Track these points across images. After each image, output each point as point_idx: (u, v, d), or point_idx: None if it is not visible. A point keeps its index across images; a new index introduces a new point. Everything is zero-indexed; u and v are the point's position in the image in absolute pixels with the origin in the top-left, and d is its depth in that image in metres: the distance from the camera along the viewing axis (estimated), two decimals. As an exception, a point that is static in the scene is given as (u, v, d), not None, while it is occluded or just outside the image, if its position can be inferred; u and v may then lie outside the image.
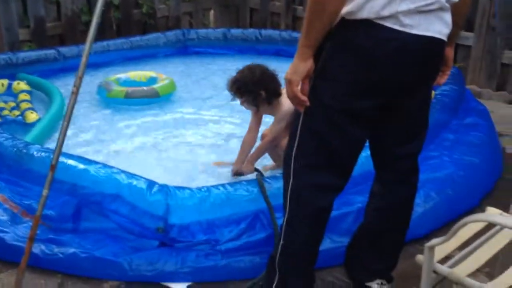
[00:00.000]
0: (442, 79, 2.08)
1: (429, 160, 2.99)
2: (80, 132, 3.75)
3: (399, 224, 2.18)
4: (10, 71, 4.42)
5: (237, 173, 3.07)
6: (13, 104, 3.96)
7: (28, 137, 3.27)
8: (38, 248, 2.44)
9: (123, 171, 2.59)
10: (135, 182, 2.51)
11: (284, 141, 2.91)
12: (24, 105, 3.87)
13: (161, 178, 2.67)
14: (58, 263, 2.45)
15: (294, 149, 1.95)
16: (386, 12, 1.70)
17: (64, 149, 2.70)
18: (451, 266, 1.84)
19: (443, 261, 1.87)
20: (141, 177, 2.57)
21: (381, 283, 2.20)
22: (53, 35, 5.28)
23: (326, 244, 2.38)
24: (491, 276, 2.17)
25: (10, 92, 4.12)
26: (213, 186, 2.58)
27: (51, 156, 2.68)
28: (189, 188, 2.54)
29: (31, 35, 5.11)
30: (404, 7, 1.70)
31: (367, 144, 2.05)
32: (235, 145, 3.61)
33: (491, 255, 1.91)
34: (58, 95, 4.05)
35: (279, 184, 2.59)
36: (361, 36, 1.74)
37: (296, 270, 2.10)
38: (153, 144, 3.67)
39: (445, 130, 3.39)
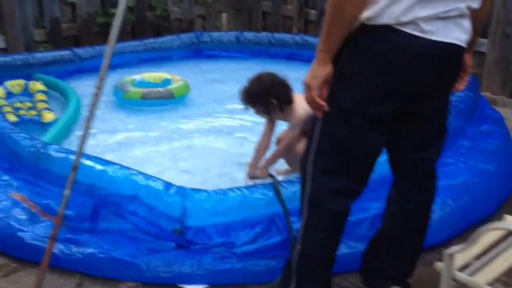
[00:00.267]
0: (461, 85, 2.09)
1: (444, 167, 2.98)
2: (96, 132, 3.78)
3: (416, 230, 2.18)
4: (27, 72, 4.47)
5: (251, 177, 3.08)
6: (29, 104, 4.00)
7: (45, 137, 3.30)
8: (57, 248, 2.46)
9: (141, 173, 2.61)
10: (152, 184, 2.53)
11: (299, 145, 2.93)
12: (40, 105, 3.91)
13: (175, 179, 2.69)
14: (77, 263, 2.47)
15: (312, 153, 1.96)
16: (406, 18, 1.71)
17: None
18: (470, 274, 1.84)
19: (461, 269, 1.87)
20: (159, 178, 2.58)
21: (398, 290, 2.20)
22: (68, 36, 5.32)
23: (342, 249, 2.37)
24: (507, 285, 2.17)
25: (26, 92, 4.17)
26: (229, 189, 2.59)
27: (69, 156, 2.75)
28: (206, 191, 2.55)
29: (47, 36, 5.16)
30: (424, 13, 1.71)
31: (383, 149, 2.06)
32: (248, 147, 3.63)
33: (510, 264, 1.91)
34: (74, 96, 4.08)
35: (294, 188, 2.62)
36: (380, 41, 1.75)
37: (312, 275, 2.11)
38: (168, 146, 3.69)
39: (461, 137, 3.38)
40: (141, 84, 4.40)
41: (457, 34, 1.78)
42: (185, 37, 5.59)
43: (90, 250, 2.48)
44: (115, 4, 5.49)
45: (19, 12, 4.87)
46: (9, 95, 4.08)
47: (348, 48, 1.79)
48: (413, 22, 1.70)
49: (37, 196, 2.75)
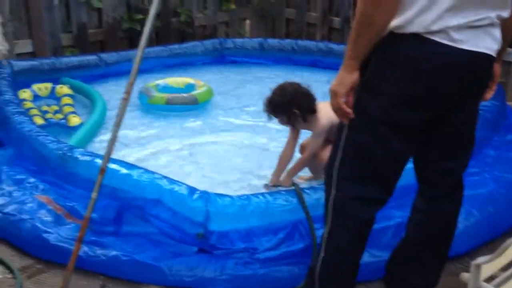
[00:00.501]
0: (488, 94, 2.07)
1: (470, 177, 2.94)
2: (121, 137, 3.82)
3: (441, 239, 2.16)
4: (53, 76, 4.54)
5: (274, 187, 3.08)
6: (56, 108, 4.06)
7: (71, 141, 3.34)
8: (81, 250, 2.47)
9: (165, 177, 2.63)
10: (176, 188, 2.55)
11: (323, 153, 2.92)
12: (67, 109, 3.97)
13: (196, 184, 2.70)
14: (100, 265, 2.50)
15: (337, 160, 1.96)
16: (436, 27, 1.70)
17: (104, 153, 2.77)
18: (497, 286, 1.81)
19: (487, 280, 1.84)
20: (183, 183, 2.60)
21: (422, 299, 2.18)
22: (94, 42, 5.40)
23: (365, 258, 2.35)
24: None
25: (53, 95, 4.23)
26: (252, 195, 2.60)
27: (95, 160, 2.79)
28: (230, 196, 2.56)
29: (74, 40, 5.24)
30: (454, 22, 1.70)
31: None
32: (271, 154, 3.63)
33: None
34: (100, 100, 4.14)
35: (318, 195, 2.62)
36: (410, 49, 1.74)
37: (336, 283, 2.10)
38: (190, 151, 3.71)
39: (487, 146, 3.34)
40: (165, 89, 4.44)
41: (487, 43, 1.77)
42: (209, 43, 5.64)
43: (114, 253, 2.50)
44: (140, 10, 5.57)
45: (47, 17, 4.95)
46: (36, 98, 4.15)
47: (376, 55, 1.79)
48: (443, 31, 1.69)
49: (62, 199, 2.80)
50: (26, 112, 3.63)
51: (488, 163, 3.20)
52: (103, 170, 1.99)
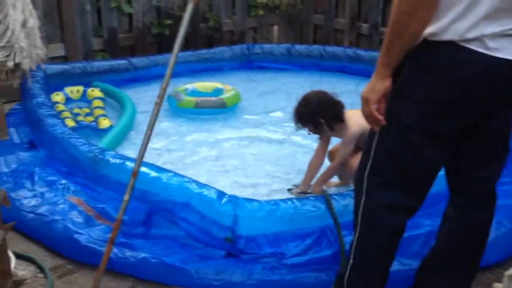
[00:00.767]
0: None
1: (501, 186, 2.88)
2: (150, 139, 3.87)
3: (473, 249, 2.13)
4: (84, 79, 4.63)
5: (303, 194, 3.08)
6: (87, 110, 4.13)
7: (102, 143, 3.40)
8: (111, 251, 2.52)
9: (194, 181, 2.65)
10: (205, 192, 2.57)
11: (352, 160, 2.91)
12: (97, 112, 4.04)
13: (224, 188, 2.72)
14: (130, 266, 2.53)
15: (368, 167, 1.95)
16: (471, 35, 1.68)
17: (134, 156, 2.80)
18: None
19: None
20: (211, 187, 2.62)
21: (451, 309, 2.15)
22: (124, 46, 5.48)
23: (394, 266, 2.33)
24: None
25: (84, 98, 4.32)
26: (281, 200, 2.61)
27: (125, 163, 2.83)
28: (258, 201, 2.57)
29: (104, 45, 5.32)
30: (489, 30, 1.68)
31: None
32: (298, 159, 3.64)
33: None
34: (130, 104, 4.20)
35: (346, 201, 2.61)
36: (444, 57, 1.73)
37: (364, 290, 2.09)
38: (218, 155, 3.74)
39: (519, 155, 3.28)
40: (193, 93, 4.49)
41: None
42: (237, 48, 5.67)
43: (143, 255, 2.53)
44: (170, 16, 5.63)
45: (79, 21, 5.05)
46: (68, 101, 4.24)
47: (409, 62, 1.78)
48: (478, 39, 1.68)
49: (93, 200, 2.84)
50: (58, 115, 3.71)
51: (520, 172, 3.14)
52: (135, 172, 2.02)
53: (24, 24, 1.54)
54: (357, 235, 2.04)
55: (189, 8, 1.95)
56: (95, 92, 4.34)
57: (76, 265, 2.62)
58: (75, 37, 5.02)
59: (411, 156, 1.86)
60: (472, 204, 2.04)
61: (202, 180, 2.75)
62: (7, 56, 1.55)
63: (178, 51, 1.99)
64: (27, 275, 2.53)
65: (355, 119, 2.84)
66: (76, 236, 2.64)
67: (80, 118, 3.97)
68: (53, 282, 2.49)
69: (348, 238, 2.35)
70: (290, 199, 2.62)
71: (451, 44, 1.71)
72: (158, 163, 3.02)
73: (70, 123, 3.75)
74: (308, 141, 3.76)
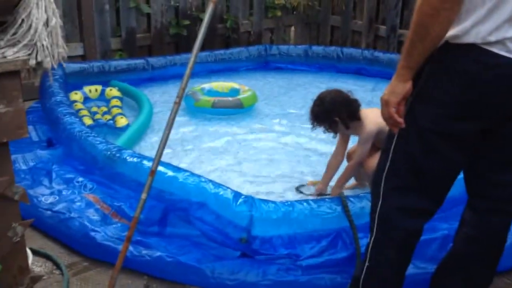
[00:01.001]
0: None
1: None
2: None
3: (491, 254, 2.10)
4: (102, 78, 4.67)
5: (321, 195, 3.08)
6: (105, 109, 4.17)
7: (119, 142, 3.42)
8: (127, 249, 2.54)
9: (210, 181, 2.65)
10: (221, 192, 2.57)
11: (370, 160, 2.89)
12: (115, 110, 4.07)
13: (240, 188, 2.73)
14: (145, 264, 2.54)
15: (385, 169, 1.94)
16: (493, 38, 1.67)
17: (150, 155, 2.82)
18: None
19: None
20: (227, 187, 2.62)
21: (467, 314, 2.13)
22: (142, 46, 5.52)
23: (409, 269, 2.32)
24: None
25: (103, 97, 4.36)
26: (297, 201, 2.60)
27: (142, 162, 2.84)
28: (274, 202, 2.57)
29: (122, 44, 5.37)
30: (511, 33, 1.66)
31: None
32: (314, 160, 3.64)
33: None
34: (147, 103, 4.22)
35: (362, 203, 2.60)
36: (465, 60, 1.71)
37: (380, 293, 2.08)
38: (235, 155, 3.75)
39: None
40: (210, 93, 4.51)
41: None
42: (254, 49, 5.69)
43: (158, 253, 2.54)
44: (188, 16, 5.66)
45: (98, 22, 5.10)
46: (87, 99, 4.28)
47: (430, 65, 1.76)
48: (500, 42, 1.66)
49: (109, 198, 2.85)
50: (76, 113, 3.74)
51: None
52: (153, 171, 2.03)
53: (47, 23, 1.55)
54: (373, 237, 2.03)
55: (210, 8, 1.96)
56: (113, 91, 4.38)
57: (91, 262, 2.64)
58: (93, 36, 5.07)
59: (430, 159, 1.84)
60: (490, 208, 2.01)
61: (218, 179, 2.75)
62: (29, 54, 1.57)
63: (198, 51, 1.99)
64: (44, 271, 2.56)
65: (372, 118, 2.82)
66: (92, 233, 2.66)
67: (98, 116, 4.01)
68: (69, 279, 2.51)
69: (364, 241, 2.34)
70: (306, 201, 2.61)
71: (473, 47, 1.69)
72: (174, 162, 3.03)
73: (88, 121, 3.79)
74: (324, 143, 3.76)
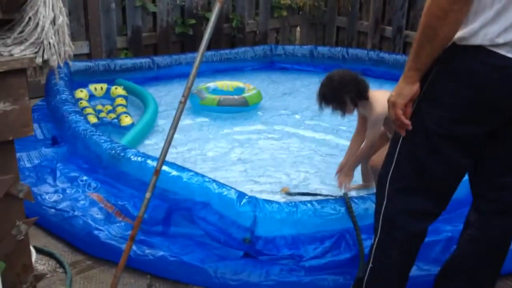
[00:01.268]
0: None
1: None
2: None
3: (494, 257, 2.09)
4: (108, 77, 4.68)
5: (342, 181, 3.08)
6: (110, 108, 4.17)
7: (123, 140, 3.42)
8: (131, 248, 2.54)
9: (214, 180, 2.65)
10: (225, 192, 2.56)
11: (376, 159, 2.88)
12: (120, 109, 4.07)
13: (244, 188, 2.73)
14: (148, 264, 2.54)
15: (390, 171, 1.93)
16: (501, 40, 1.66)
17: (155, 154, 2.82)
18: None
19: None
20: (231, 187, 2.62)
21: (471, 317, 2.12)
22: (147, 45, 5.52)
23: (412, 271, 2.32)
24: None
25: (108, 95, 4.36)
26: (300, 202, 2.59)
27: (147, 161, 2.84)
28: (277, 202, 2.56)
29: (128, 43, 5.37)
30: None
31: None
32: (318, 160, 3.63)
33: None
34: (152, 102, 4.23)
35: (366, 205, 2.59)
36: (473, 62, 1.70)
37: (383, 294, 2.07)
38: (239, 155, 3.75)
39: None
40: (215, 91, 4.52)
41: None
42: (259, 49, 5.69)
43: (162, 253, 2.54)
44: (194, 16, 5.66)
45: (104, 20, 5.11)
46: (92, 98, 4.28)
47: (437, 67, 1.75)
48: (508, 44, 1.65)
49: (113, 197, 2.85)
50: (81, 111, 3.75)
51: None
52: (157, 171, 2.03)
53: (53, 21, 1.55)
54: (377, 239, 2.02)
55: (216, 8, 1.95)
56: (118, 90, 4.38)
57: (95, 261, 2.64)
58: (99, 35, 5.08)
59: (435, 160, 1.83)
60: (495, 211, 2.00)
61: (222, 179, 2.75)
62: (36, 52, 1.57)
63: (204, 50, 1.99)
64: (47, 269, 2.56)
65: (380, 101, 2.80)
66: (96, 232, 2.66)
67: (102, 114, 4.01)
68: (72, 277, 2.51)
69: (368, 242, 2.33)
70: (309, 202, 2.60)
71: (480, 48, 1.68)
72: (178, 162, 3.03)
73: (93, 119, 3.79)
74: (328, 144, 3.75)
